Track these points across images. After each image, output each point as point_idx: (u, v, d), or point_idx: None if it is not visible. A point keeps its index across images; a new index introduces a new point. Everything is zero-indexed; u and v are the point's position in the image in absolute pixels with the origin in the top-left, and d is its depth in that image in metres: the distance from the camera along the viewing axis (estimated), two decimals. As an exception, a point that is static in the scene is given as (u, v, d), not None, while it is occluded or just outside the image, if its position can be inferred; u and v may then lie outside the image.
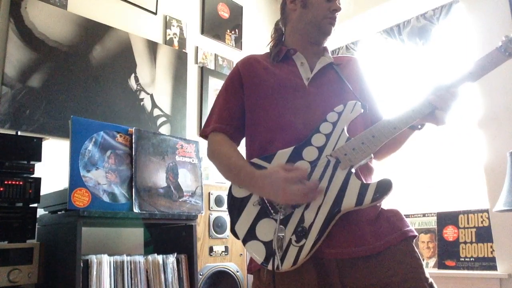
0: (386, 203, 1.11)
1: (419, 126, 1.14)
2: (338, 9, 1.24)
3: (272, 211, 1.06)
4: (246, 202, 1.10)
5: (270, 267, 1.00)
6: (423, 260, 1.09)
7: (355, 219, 1.04)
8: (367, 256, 1.01)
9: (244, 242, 1.07)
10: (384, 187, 0.99)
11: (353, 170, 1.04)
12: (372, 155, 1.07)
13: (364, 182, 1.04)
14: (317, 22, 1.24)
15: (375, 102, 1.27)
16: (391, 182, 0.99)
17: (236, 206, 1.12)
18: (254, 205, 1.08)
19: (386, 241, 1.03)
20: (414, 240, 1.07)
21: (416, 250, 1.05)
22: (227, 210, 1.14)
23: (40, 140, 1.86)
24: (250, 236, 1.06)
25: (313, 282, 1.02)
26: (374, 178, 1.16)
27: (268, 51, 1.34)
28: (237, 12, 3.55)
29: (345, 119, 1.10)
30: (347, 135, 1.07)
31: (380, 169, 1.24)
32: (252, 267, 1.13)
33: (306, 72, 1.22)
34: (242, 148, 1.25)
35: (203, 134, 1.28)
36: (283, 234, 1.01)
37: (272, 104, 1.18)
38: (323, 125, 1.10)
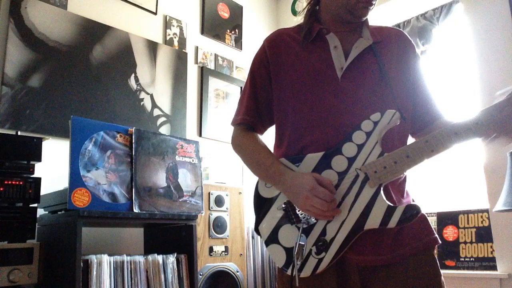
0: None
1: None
2: None
3: (295, 219, 1.04)
4: (271, 203, 1.09)
5: (289, 272, 1.01)
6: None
7: (380, 228, 1.00)
8: (388, 265, 1.00)
9: (267, 243, 1.07)
10: (411, 213, 0.95)
11: (381, 189, 0.99)
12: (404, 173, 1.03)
13: (394, 199, 1.02)
14: (350, 6, 1.11)
15: (420, 95, 1.16)
16: (419, 208, 0.95)
17: (261, 205, 1.11)
18: (278, 209, 1.07)
19: (407, 251, 1.01)
20: (435, 247, 1.06)
21: (436, 259, 1.04)
22: (253, 207, 1.13)
23: (40, 140, 1.86)
24: (272, 238, 1.06)
25: (332, 285, 1.01)
26: (406, 190, 1.11)
27: (300, 23, 1.22)
28: (237, 12, 3.55)
29: (380, 130, 1.01)
30: (381, 149, 1.01)
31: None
32: None
33: (340, 60, 1.10)
34: (268, 137, 1.23)
35: (233, 123, 1.24)
36: (304, 243, 1.00)
37: (301, 100, 1.10)
38: (356, 133, 1.02)
